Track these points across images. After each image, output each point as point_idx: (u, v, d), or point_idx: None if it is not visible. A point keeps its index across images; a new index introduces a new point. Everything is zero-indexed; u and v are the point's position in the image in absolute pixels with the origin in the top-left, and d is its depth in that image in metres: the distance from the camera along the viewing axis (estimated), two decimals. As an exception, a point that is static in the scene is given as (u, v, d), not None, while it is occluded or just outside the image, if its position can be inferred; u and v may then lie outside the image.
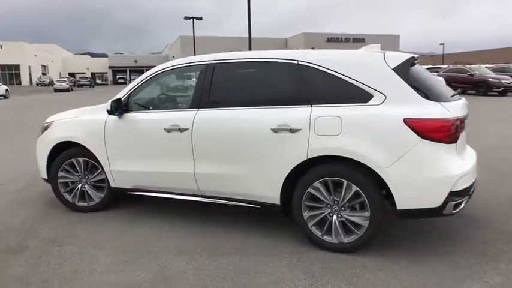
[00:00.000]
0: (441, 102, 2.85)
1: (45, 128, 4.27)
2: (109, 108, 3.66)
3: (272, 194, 3.22)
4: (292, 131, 3.05)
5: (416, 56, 3.17)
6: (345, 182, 2.95)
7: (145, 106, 3.89)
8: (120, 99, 3.74)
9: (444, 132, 2.74)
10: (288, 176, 3.13)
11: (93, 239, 3.47)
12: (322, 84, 3.10)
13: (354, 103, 2.96)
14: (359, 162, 2.88)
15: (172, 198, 3.77)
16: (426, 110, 2.79)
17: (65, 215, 4.06)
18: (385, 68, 2.94)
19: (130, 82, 4.10)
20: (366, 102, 2.93)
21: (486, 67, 24.04)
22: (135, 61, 75.75)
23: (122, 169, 3.81)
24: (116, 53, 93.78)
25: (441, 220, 3.51)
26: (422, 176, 2.77)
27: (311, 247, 3.16)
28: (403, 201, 2.81)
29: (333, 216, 3.06)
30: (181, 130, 3.46)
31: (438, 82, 3.19)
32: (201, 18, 38.39)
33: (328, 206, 3.07)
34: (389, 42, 56.98)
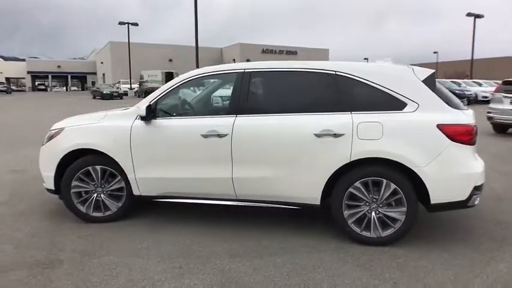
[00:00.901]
0: (462, 110, 3.32)
1: (53, 136, 4.01)
2: (144, 113, 3.59)
3: (313, 195, 3.44)
4: (336, 135, 3.31)
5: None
6: (385, 181, 3.27)
7: (175, 112, 3.88)
8: (150, 105, 3.69)
9: (469, 136, 3.21)
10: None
11: (129, 249, 3.37)
12: (359, 93, 3.41)
13: (389, 110, 3.31)
14: (397, 162, 3.22)
15: (183, 204, 3.78)
16: (453, 117, 3.24)
17: (79, 227, 3.85)
18: (416, 79, 3.35)
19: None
20: (401, 110, 3.30)
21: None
22: (58, 66, 70.59)
23: (149, 176, 3.74)
24: (31, 57, 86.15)
25: (448, 214, 4.00)
26: (453, 173, 3.21)
27: (350, 243, 3.42)
28: (436, 196, 3.21)
29: (371, 213, 3.37)
30: (220, 136, 3.53)
31: (451, 93, 3.68)
32: (136, 24, 37.26)
33: (367, 203, 3.37)
34: (319, 56, 60.41)
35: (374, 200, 3.35)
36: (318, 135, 3.34)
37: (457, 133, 3.18)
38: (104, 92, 30.55)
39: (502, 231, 3.72)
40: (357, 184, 3.33)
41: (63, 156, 3.90)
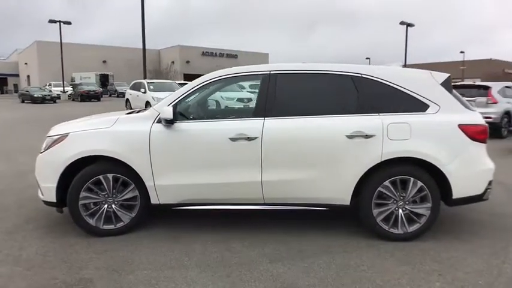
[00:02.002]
0: (475, 112, 3.61)
1: (54, 142, 3.62)
2: (170, 116, 3.38)
3: (344, 196, 3.50)
4: (367, 136, 3.41)
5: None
6: (412, 179, 3.44)
7: (197, 115, 3.71)
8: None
9: (484, 135, 3.50)
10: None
11: (159, 262, 3.16)
12: (384, 95, 3.55)
13: (413, 112, 3.49)
14: (424, 161, 3.41)
15: (193, 211, 3.67)
16: (471, 117, 3.51)
17: (89, 242, 3.52)
18: (435, 83, 3.57)
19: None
20: (424, 111, 3.50)
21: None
22: (-26, 66, 63.34)
23: (170, 183, 3.54)
24: None
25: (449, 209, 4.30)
26: (472, 170, 3.47)
27: (378, 240, 3.53)
28: (457, 191, 3.45)
29: (398, 210, 3.52)
30: (249, 139, 3.45)
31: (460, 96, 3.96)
32: (69, 23, 34.81)
33: (395, 201, 3.51)
34: (259, 59, 61.33)
35: (401, 197, 3.50)
36: (349, 137, 3.42)
37: (476, 132, 3.45)
38: (35, 96, 28.02)
39: (501, 220, 4.09)
40: (386, 183, 3.46)
41: (68, 165, 3.54)
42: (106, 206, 3.64)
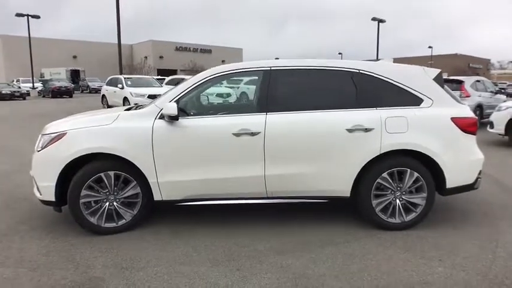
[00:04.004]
0: (465, 105, 3.80)
1: (52, 140, 3.53)
2: (175, 112, 3.37)
3: (345, 188, 3.61)
4: (366, 130, 3.52)
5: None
6: (409, 170, 3.59)
7: (198, 111, 3.70)
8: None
9: (475, 127, 3.68)
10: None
11: (167, 257, 3.17)
12: (380, 89, 3.67)
13: (409, 106, 3.64)
14: (420, 153, 3.56)
15: (190, 206, 3.70)
16: (462, 111, 3.69)
17: (90, 240, 3.48)
18: (428, 78, 3.73)
19: None
20: (418, 105, 3.65)
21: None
22: None
23: (174, 179, 3.54)
24: None
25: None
26: (464, 160, 3.65)
27: (376, 230, 3.67)
28: (451, 181, 3.63)
29: (395, 200, 3.66)
30: (253, 134, 3.49)
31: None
32: (38, 17, 33.48)
33: (392, 192, 3.65)
34: (234, 54, 61.18)
35: (398, 188, 3.64)
36: (349, 130, 3.52)
37: (467, 125, 3.63)
38: (3, 92, 26.76)
39: (487, 208, 4.33)
40: (384, 174, 3.59)
41: (68, 163, 3.47)
42: (107, 203, 3.60)
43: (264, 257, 3.17)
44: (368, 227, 3.72)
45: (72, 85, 32.73)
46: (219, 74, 3.69)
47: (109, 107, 16.91)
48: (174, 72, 47.47)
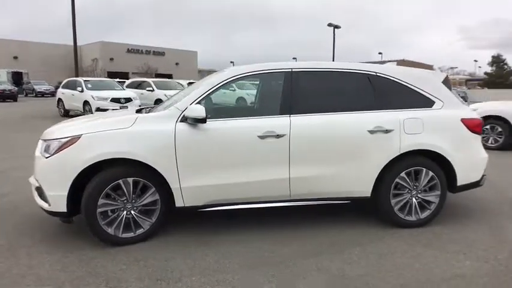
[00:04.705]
0: (469, 107, 4.04)
1: (64, 145, 3.25)
2: (204, 115, 3.24)
3: (365, 189, 3.68)
4: (386, 131, 3.62)
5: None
6: (424, 169, 3.74)
7: (218, 113, 3.59)
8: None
9: (480, 127, 3.92)
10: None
11: (201, 266, 3.04)
12: (396, 92, 3.79)
13: (422, 108, 3.80)
14: (435, 152, 3.72)
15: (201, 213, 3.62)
16: (469, 112, 3.92)
17: (107, 253, 3.25)
18: (438, 81, 3.92)
19: None
20: (431, 107, 3.82)
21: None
22: None
23: (197, 184, 3.40)
24: None
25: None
26: (472, 159, 3.88)
27: (395, 228, 3.77)
28: (461, 178, 3.83)
29: (412, 199, 3.80)
30: (278, 136, 3.46)
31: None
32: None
33: (409, 191, 3.78)
34: (188, 57, 60.34)
35: (414, 187, 3.78)
36: (371, 132, 3.60)
37: (475, 125, 3.86)
38: None
39: (483, 203, 4.62)
40: (402, 174, 3.71)
41: (82, 170, 3.22)
42: (125, 212, 3.38)
43: (297, 260, 3.13)
44: (386, 226, 3.81)
45: (16, 88, 30.44)
46: (238, 76, 3.62)
47: (66, 111, 15.96)
48: (125, 75, 45.83)
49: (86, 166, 3.22)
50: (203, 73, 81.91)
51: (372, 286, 2.76)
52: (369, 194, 3.71)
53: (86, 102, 14.46)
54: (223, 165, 3.44)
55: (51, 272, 2.92)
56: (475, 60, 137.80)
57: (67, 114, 15.71)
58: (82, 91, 14.73)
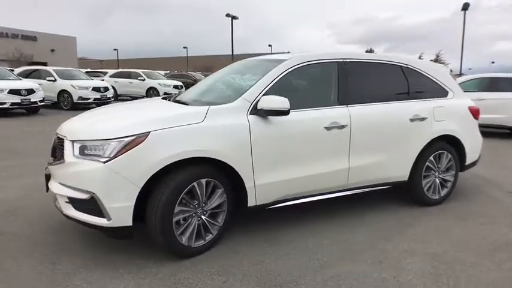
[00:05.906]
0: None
1: (128, 145, 2.71)
2: (288, 106, 3.04)
3: (405, 173, 3.98)
4: (422, 119, 3.95)
5: None
6: (445, 152, 4.20)
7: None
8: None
9: (479, 114, 4.55)
10: (413, 155, 4.00)
11: (298, 266, 2.91)
12: (423, 83, 4.16)
13: (441, 97, 4.24)
14: (452, 137, 4.20)
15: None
16: (471, 101, 4.51)
17: (181, 265, 2.88)
18: (448, 73, 4.42)
19: None
20: (445, 97, 4.29)
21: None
22: None
23: (270, 181, 3.22)
24: None
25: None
26: (476, 142, 4.50)
27: (423, 208, 4.15)
28: (469, 159, 4.42)
29: (435, 179, 4.23)
30: (341, 127, 3.48)
31: None
32: None
33: (434, 172, 4.20)
34: (65, 43, 53.95)
35: (437, 168, 4.22)
36: (411, 120, 3.89)
37: (476, 112, 4.47)
38: None
39: (476, 181, 5.36)
40: (431, 158, 4.11)
41: (154, 173, 2.77)
42: (196, 218, 3.01)
43: (378, 245, 3.24)
44: (413, 206, 4.18)
45: None
46: (304, 64, 3.51)
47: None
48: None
49: (158, 169, 2.76)
50: (87, 62, 74.01)
51: (450, 256, 3.03)
52: (406, 178, 4.01)
53: (62, 92, 13.48)
54: (294, 159, 3.33)
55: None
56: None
57: None
58: (55, 80, 13.46)
